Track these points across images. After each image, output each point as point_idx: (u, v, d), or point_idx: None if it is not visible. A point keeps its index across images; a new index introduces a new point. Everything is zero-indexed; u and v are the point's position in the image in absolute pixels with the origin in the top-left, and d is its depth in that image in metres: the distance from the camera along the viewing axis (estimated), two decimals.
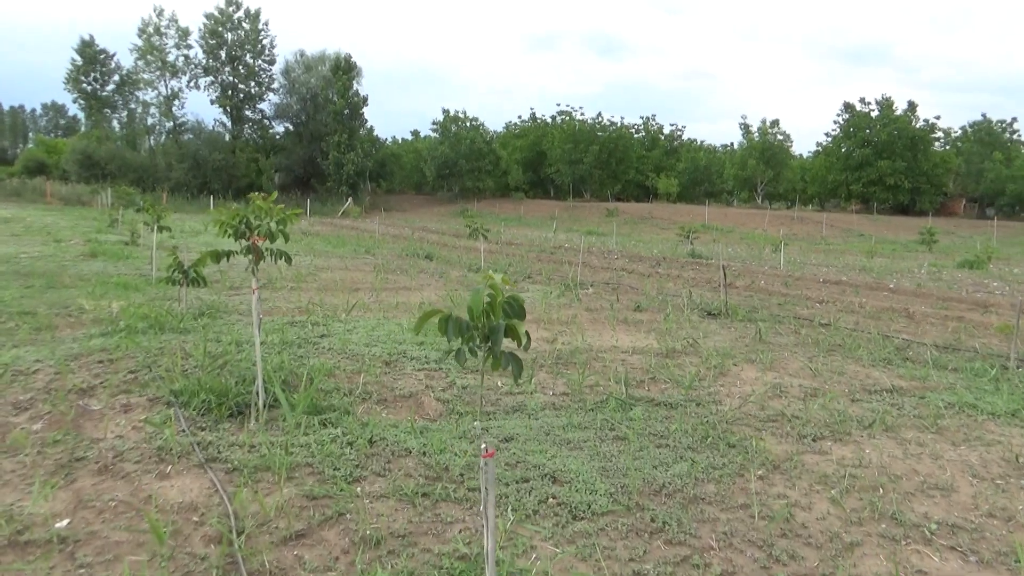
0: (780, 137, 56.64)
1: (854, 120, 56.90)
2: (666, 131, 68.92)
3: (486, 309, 2.52)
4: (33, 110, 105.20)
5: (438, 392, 6.14)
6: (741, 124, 60.22)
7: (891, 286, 15.92)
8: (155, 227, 12.14)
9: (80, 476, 4.26)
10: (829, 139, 58.43)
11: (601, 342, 8.57)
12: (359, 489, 4.15)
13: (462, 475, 4.37)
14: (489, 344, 2.58)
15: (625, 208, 50.54)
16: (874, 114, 56.53)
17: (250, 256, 5.54)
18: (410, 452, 4.72)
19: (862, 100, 57.10)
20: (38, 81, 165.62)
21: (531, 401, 5.95)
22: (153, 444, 4.74)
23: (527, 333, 2.66)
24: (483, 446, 2.53)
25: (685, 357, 7.95)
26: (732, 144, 70.54)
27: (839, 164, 55.90)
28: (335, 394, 5.92)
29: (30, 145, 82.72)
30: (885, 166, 53.17)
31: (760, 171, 55.76)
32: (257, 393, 5.47)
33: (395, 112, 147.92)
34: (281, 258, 5.57)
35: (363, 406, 5.74)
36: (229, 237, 5.48)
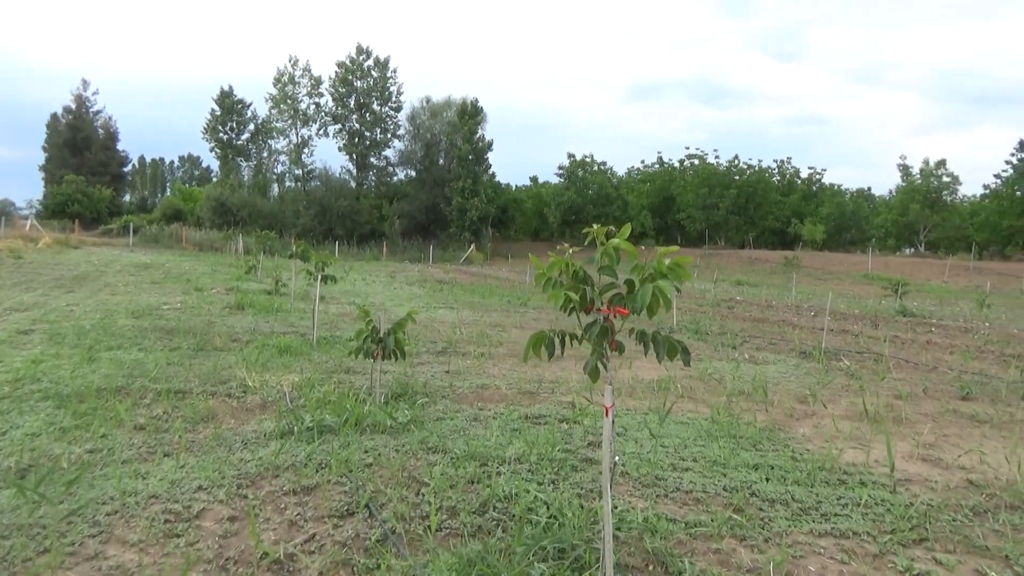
0: (947, 179, 50.74)
1: None
2: (803, 174, 64.14)
3: None
4: (171, 162, 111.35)
5: None
6: (900, 165, 54.17)
7: None
8: (319, 277, 9.94)
9: None
10: (999, 180, 52.05)
11: (994, 470, 5.45)
12: None
13: None
14: None
15: (768, 256, 46.48)
16: None
17: (602, 342, 2.93)
18: None
19: None
20: (175, 135, 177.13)
21: None
22: None
23: None
24: None
25: None
26: (869, 188, 64.85)
27: (1015, 208, 49.45)
28: None
29: (168, 194, 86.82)
30: None
31: (924, 216, 50.03)
32: None
33: (505, 159, 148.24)
34: (665, 348, 2.92)
35: None
36: (569, 310, 2.90)
